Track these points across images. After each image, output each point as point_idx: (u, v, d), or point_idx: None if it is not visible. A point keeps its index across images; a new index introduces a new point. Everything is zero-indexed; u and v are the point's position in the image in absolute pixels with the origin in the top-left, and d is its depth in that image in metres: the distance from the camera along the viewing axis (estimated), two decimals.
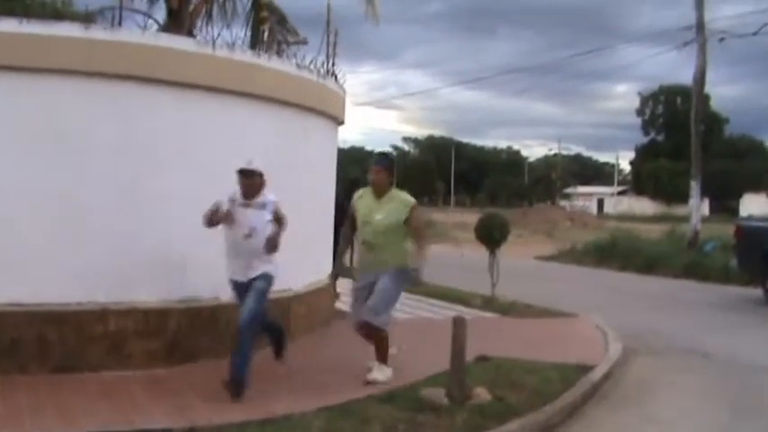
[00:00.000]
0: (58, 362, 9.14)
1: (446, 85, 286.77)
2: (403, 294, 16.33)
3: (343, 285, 17.08)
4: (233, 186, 10.27)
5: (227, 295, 10.17)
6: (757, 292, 19.69)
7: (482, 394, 8.48)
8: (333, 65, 13.25)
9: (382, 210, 9.56)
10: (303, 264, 11.78)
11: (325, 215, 13.15)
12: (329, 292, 13.23)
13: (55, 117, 9.32)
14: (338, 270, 10.90)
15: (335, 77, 13.19)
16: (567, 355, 11.18)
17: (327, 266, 13.29)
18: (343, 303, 15.42)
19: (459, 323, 8.55)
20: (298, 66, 11.65)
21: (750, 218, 24.56)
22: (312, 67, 12.00)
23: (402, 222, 9.50)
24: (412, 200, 9.66)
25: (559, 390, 9.16)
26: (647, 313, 16.83)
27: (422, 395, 8.39)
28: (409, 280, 9.80)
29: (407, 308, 15.66)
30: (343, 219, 15.10)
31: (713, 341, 13.38)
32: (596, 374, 10.13)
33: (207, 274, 10.05)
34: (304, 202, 11.69)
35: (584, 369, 10.26)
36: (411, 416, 7.82)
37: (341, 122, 13.73)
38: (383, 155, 10.18)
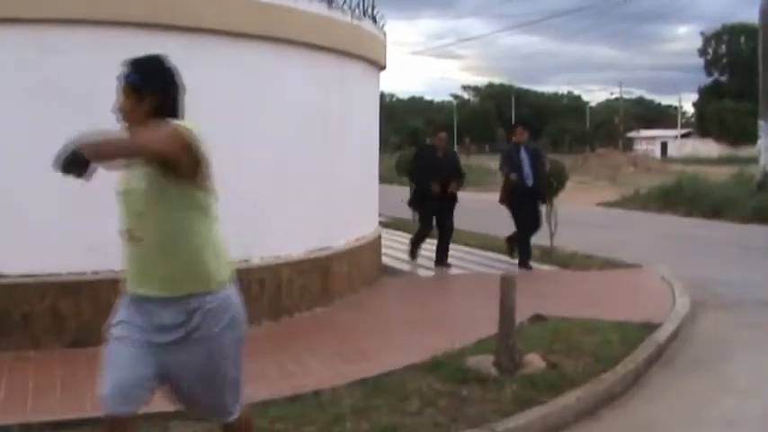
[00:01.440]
0: (72, 336, 8.43)
1: (502, 29, 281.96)
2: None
3: (392, 238, 16.36)
4: (255, 142, 9.56)
5: (257, 257, 9.49)
6: None
7: (535, 361, 7.62)
8: (372, 6, 12.32)
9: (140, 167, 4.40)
10: (345, 220, 11.03)
11: (368, 167, 12.31)
12: (373, 248, 12.42)
13: (58, 72, 8.52)
14: None
15: (374, 19, 12.28)
16: (631, 311, 10.28)
17: (372, 222, 12.59)
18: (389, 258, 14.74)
19: (507, 282, 7.59)
20: (329, 5, 10.74)
21: None
22: (345, 7, 11.08)
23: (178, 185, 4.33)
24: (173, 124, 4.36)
25: (621, 353, 8.24)
26: (716, 262, 15.82)
27: (468, 364, 7.53)
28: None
29: (458, 261, 14.84)
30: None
31: None
32: (662, 334, 9.19)
33: (233, 235, 9.29)
34: (344, 155, 10.96)
35: (649, 327, 9.33)
36: (454, 389, 7.00)
37: (382, 68, 12.86)
38: (134, 61, 4.76)
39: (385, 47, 12.81)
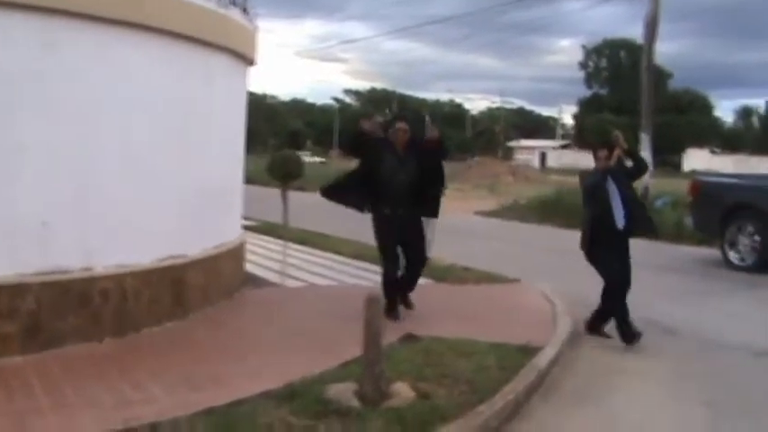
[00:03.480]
0: None
1: (382, 33, 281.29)
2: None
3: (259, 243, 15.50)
4: (108, 137, 8.61)
5: (100, 265, 8.51)
6: (713, 252, 18.31)
7: (403, 391, 6.81)
8: None
9: None
10: (202, 225, 10.10)
11: (232, 168, 11.35)
12: (235, 255, 11.46)
13: None
14: None
15: (245, 9, 11.36)
16: (509, 331, 9.63)
17: (234, 227, 11.69)
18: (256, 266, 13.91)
19: (371, 303, 6.80)
20: None
21: (708, 173, 23.19)
22: None
23: None
24: None
25: (499, 380, 7.48)
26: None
27: (328, 394, 6.68)
28: None
29: (329, 271, 14.04)
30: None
31: (673, 312, 11.95)
32: (543, 359, 8.49)
33: (75, 241, 8.32)
34: (204, 154, 10.04)
35: (529, 351, 8.64)
36: (311, 423, 6.16)
37: (251, 62, 11.94)
38: None
39: (255, 40, 11.89)
